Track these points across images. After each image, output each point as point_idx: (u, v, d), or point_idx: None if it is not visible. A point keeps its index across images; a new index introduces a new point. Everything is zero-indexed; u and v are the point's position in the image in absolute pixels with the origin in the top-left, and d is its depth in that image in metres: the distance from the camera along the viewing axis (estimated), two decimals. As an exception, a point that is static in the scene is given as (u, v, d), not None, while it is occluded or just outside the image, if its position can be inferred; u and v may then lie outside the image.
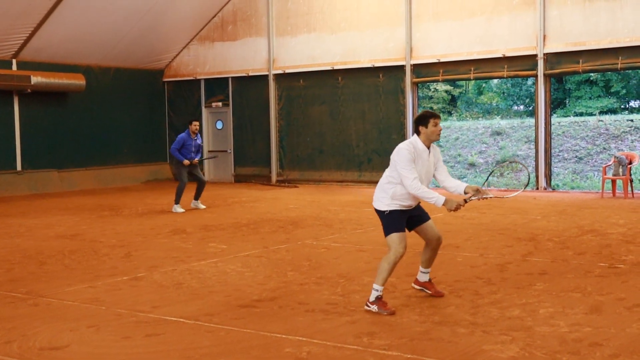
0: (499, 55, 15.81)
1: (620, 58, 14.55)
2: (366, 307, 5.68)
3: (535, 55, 15.38)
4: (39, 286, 6.79)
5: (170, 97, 21.14)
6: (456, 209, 5.50)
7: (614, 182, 14.31)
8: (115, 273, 7.40)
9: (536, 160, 15.84)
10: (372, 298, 5.65)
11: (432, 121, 5.62)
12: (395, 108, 17.31)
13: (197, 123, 13.04)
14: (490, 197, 5.54)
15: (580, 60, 15.00)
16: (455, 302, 5.88)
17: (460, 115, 30.83)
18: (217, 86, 20.22)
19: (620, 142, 20.92)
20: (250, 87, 19.62)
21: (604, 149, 20.81)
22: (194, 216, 12.32)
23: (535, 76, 15.56)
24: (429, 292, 6.09)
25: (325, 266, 7.57)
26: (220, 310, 5.79)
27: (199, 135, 13.14)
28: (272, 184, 18.94)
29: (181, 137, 12.95)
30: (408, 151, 5.58)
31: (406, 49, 16.94)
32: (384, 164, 17.24)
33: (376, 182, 18.58)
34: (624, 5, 14.47)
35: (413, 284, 6.20)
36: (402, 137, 17.07)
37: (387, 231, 5.68)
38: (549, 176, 15.75)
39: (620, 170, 14.00)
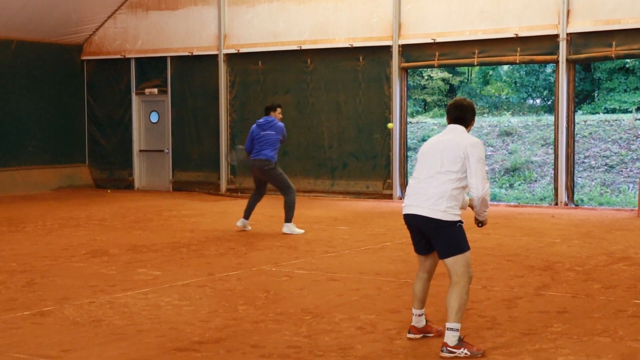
0: (511, 35, 15.98)
1: (663, 41, 14.81)
2: (447, 355, 5.61)
3: (557, 36, 15.57)
4: None
5: (91, 81, 20.99)
6: (485, 223, 6.13)
7: (652, 197, 14.52)
8: (13, 307, 7.30)
9: (555, 169, 16.01)
10: (452, 342, 5.63)
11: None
12: (379, 100, 17.39)
13: (281, 110, 12.74)
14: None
15: (614, 43, 15.22)
16: (451, 346, 5.90)
17: (461, 110, 31.01)
18: (151, 68, 20.13)
19: (661, 146, 21.28)
20: (195, 70, 19.56)
21: (641, 155, 21.14)
22: (118, 234, 12.23)
23: (556, 62, 15.75)
24: (432, 334, 6.17)
25: (287, 299, 7.56)
26: (150, 354, 5.74)
27: None
28: (221, 193, 18.89)
29: (280, 125, 12.43)
30: (483, 147, 5.87)
31: (393, 25, 17.04)
32: (363, 170, 17.49)
33: (353, 193, 18.59)
34: (667, -25, 14.73)
35: (411, 335, 6.14)
36: (387, 136, 17.17)
37: (460, 249, 5.75)
38: (571, 189, 15.94)
39: (660, 182, 14.21)
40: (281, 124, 12.38)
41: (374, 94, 17.46)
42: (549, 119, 23.02)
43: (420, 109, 31.59)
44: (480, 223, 6.02)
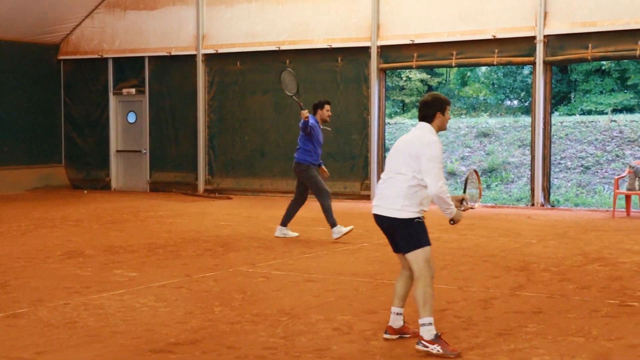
0: (488, 36, 16.05)
1: (639, 43, 14.91)
2: (420, 348, 5.73)
3: (534, 38, 15.66)
4: None
5: (68, 80, 20.88)
6: (458, 221, 6.03)
7: (628, 198, 14.63)
8: (-12, 308, 7.25)
9: (532, 170, 16.10)
10: (428, 336, 5.73)
11: (448, 108, 6.06)
12: (357, 100, 17.41)
13: (329, 107, 11.76)
14: (475, 207, 6.23)
15: (590, 45, 15.32)
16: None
17: (439, 111, 31.11)
18: (129, 68, 20.05)
19: (637, 148, 21.43)
20: (173, 70, 19.51)
21: (617, 156, 21.29)
22: (94, 235, 12.17)
23: (533, 64, 15.84)
24: (408, 335, 6.19)
25: (263, 300, 7.55)
26: (125, 356, 5.71)
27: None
28: (199, 194, 18.84)
29: (313, 124, 11.51)
30: (439, 143, 5.91)
31: (372, 26, 17.07)
32: (342, 171, 17.50)
33: (332, 194, 18.62)
34: (643, -22, 14.85)
35: (388, 335, 6.16)
36: (365, 137, 17.20)
37: (418, 244, 5.86)
38: (547, 190, 16.03)
39: (637, 183, 14.32)
40: (310, 121, 11.46)
41: (353, 95, 17.48)
42: (526, 120, 23.13)
43: (398, 110, 31.65)
44: (451, 220, 5.99)
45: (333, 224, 11.33)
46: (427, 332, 5.73)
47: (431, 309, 5.79)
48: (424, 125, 6.00)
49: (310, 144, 11.53)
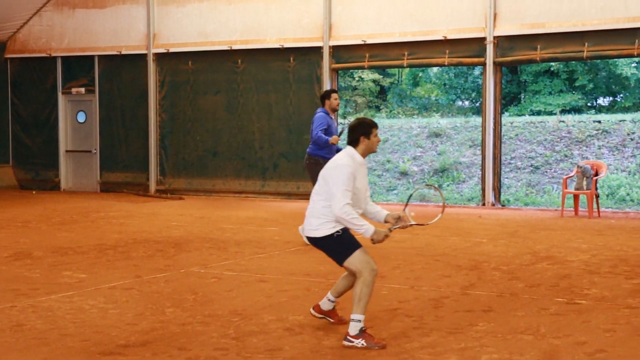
0: (439, 37, 16.17)
1: (586, 44, 15.14)
2: (347, 343, 5.93)
3: (484, 39, 15.81)
4: None
5: (15, 79, 20.57)
6: (382, 240, 6.07)
7: (576, 197, 14.84)
8: None
9: (482, 170, 16.26)
10: (353, 332, 5.93)
11: (374, 131, 6.21)
12: (310, 100, 17.41)
13: (337, 95, 11.29)
14: (413, 225, 6.36)
15: (539, 47, 15.52)
16: (378, 346, 5.94)
17: (390, 111, 31.35)
18: (78, 67, 19.83)
19: (585, 148, 21.77)
20: (123, 69, 19.34)
21: (566, 156, 21.61)
22: (43, 236, 12.01)
23: (483, 64, 15.99)
24: (332, 320, 6.56)
25: (215, 301, 7.51)
26: (74, 359, 5.65)
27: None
28: (150, 194, 18.71)
29: (322, 117, 11.02)
30: (349, 168, 6.03)
31: (324, 26, 17.09)
32: (294, 171, 17.50)
33: (285, 194, 18.53)
34: (590, -20, 15.08)
35: (313, 311, 6.60)
36: (318, 138, 17.19)
37: (347, 253, 6.05)
38: (497, 189, 16.20)
39: (585, 183, 14.53)
40: (318, 113, 11.15)
41: (305, 95, 17.49)
42: (477, 120, 23.37)
43: (351, 110, 31.76)
44: (372, 240, 6.06)
45: None
46: (354, 328, 5.93)
47: (364, 307, 5.96)
48: (348, 149, 6.21)
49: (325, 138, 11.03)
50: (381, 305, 7.27)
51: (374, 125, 6.23)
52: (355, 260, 6.01)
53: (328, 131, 11.01)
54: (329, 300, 6.52)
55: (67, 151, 20.10)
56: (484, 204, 16.11)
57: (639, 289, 7.98)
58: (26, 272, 9.01)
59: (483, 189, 16.26)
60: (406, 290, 7.97)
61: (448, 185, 21.23)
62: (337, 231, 6.08)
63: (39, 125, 20.34)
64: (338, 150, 10.74)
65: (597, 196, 14.73)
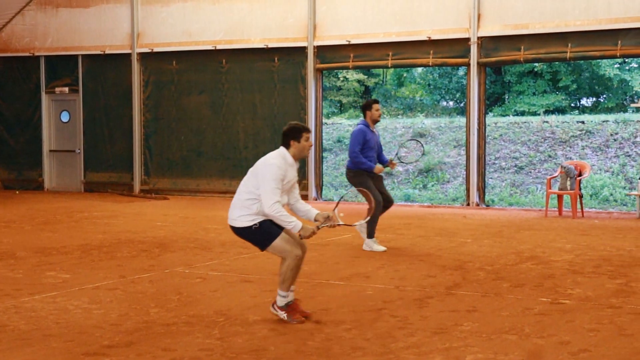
0: (424, 37, 16.21)
1: (569, 45, 15.22)
2: (272, 311, 6.65)
3: (468, 39, 15.86)
4: None
5: (-1, 79, 20.48)
6: (309, 236, 6.54)
7: (560, 197, 14.91)
8: None
9: (467, 170, 16.31)
10: (280, 303, 6.63)
11: (305, 135, 6.69)
12: (294, 100, 17.42)
13: (379, 106, 10.75)
14: (341, 225, 6.68)
15: (522, 47, 15.58)
16: (362, 345, 5.94)
17: (375, 111, 31.33)
18: (62, 66, 19.75)
19: (568, 148, 21.87)
20: (107, 68, 19.27)
21: (549, 156, 21.70)
22: (26, 236, 11.95)
23: (468, 65, 16.04)
24: (294, 321, 6.69)
25: (200, 301, 7.50)
26: (57, 360, 5.63)
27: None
28: (135, 194, 18.65)
29: (360, 130, 10.45)
30: (279, 167, 6.52)
31: (308, 26, 17.09)
32: (279, 171, 17.43)
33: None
34: (574, -19, 15.15)
35: (272, 308, 6.80)
36: (303, 138, 17.20)
37: (267, 243, 6.58)
38: (482, 189, 16.25)
39: (568, 183, 14.60)
40: (356, 128, 10.63)
41: (290, 95, 17.49)
42: (461, 120, 23.43)
43: (336, 110, 31.79)
44: (299, 235, 6.57)
45: (370, 234, 10.53)
46: (281, 300, 6.64)
47: (288, 286, 6.60)
48: (281, 149, 6.68)
49: (365, 150, 10.46)
50: (366, 305, 7.28)
51: (305, 130, 6.68)
52: (276, 248, 6.55)
53: (367, 146, 10.42)
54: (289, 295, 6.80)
55: (50, 151, 20.01)
56: (468, 204, 16.15)
57: (622, 289, 8.02)
58: (9, 273, 8.96)
59: (467, 189, 16.31)
60: (391, 290, 7.98)
61: (433, 186, 21.28)
62: (255, 224, 6.55)
63: (22, 124, 20.23)
64: (385, 162, 10.62)
65: (581, 196, 14.80)
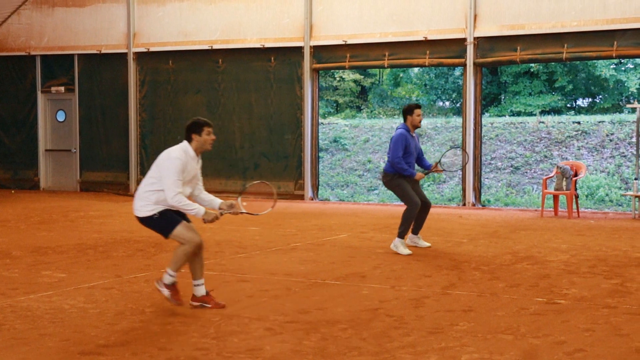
0: (420, 38, 16.22)
1: (565, 46, 15.24)
2: (157, 285, 7.05)
3: (464, 40, 15.88)
4: None
5: (-6, 78, 20.47)
6: (212, 220, 6.98)
7: (556, 197, 14.94)
8: None
9: (463, 170, 16.31)
10: (167, 281, 7.00)
11: (206, 129, 7.07)
12: (290, 100, 17.43)
13: (420, 111, 10.52)
14: (244, 213, 7.17)
15: (518, 48, 15.60)
16: (358, 345, 5.95)
17: (371, 111, 31.41)
18: (58, 66, 19.74)
19: (564, 148, 21.90)
20: (104, 68, 19.27)
21: (545, 157, 21.72)
22: (22, 235, 11.94)
23: (464, 65, 16.06)
24: (209, 306, 7.10)
25: (196, 301, 7.50)
26: (53, 359, 5.62)
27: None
28: (131, 194, 18.64)
29: (401, 135, 10.26)
30: (180, 160, 6.88)
31: (305, 26, 17.10)
32: (275, 170, 17.50)
33: (265, 194, 18.53)
34: (570, -18, 15.18)
35: (191, 302, 7.14)
36: (299, 137, 17.24)
37: (168, 230, 6.96)
38: (478, 190, 16.27)
39: (564, 183, 14.63)
40: (396, 132, 10.44)
41: (286, 95, 17.50)
42: (458, 121, 23.46)
43: (332, 110, 31.80)
44: (203, 220, 6.95)
45: (401, 234, 10.28)
46: (167, 278, 7.01)
47: (177, 267, 6.98)
48: (184, 143, 7.02)
49: (405, 156, 10.32)
50: (362, 305, 7.29)
51: (206, 125, 7.06)
52: (177, 235, 6.93)
53: (408, 151, 10.28)
54: (196, 285, 7.13)
55: (46, 150, 20.00)
56: (464, 204, 16.18)
57: (617, 289, 8.04)
58: (5, 272, 8.96)
59: (464, 189, 16.33)
60: (387, 290, 7.99)
61: (429, 186, 21.29)
62: (155, 214, 6.94)
63: (18, 124, 20.22)
64: (428, 167, 10.53)
65: (577, 196, 14.83)
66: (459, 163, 10.94)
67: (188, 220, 7.10)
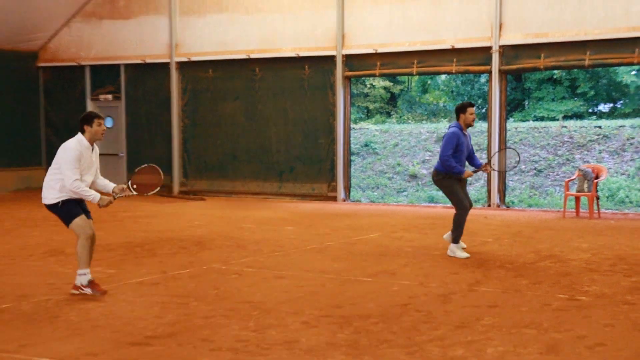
0: (447, 46, 16.21)
1: (588, 53, 15.14)
2: (75, 292, 7.42)
3: (490, 48, 15.84)
4: None
5: (47, 87, 20.74)
6: (107, 205, 7.52)
7: (577, 199, 14.86)
8: (-27, 304, 7.22)
9: (488, 173, 16.25)
10: (84, 282, 7.41)
11: (96, 121, 7.51)
12: (324, 107, 17.49)
13: (474, 109, 10.00)
14: (134, 194, 8.02)
15: (542, 55, 15.54)
16: (388, 338, 6.01)
17: (400, 117, 31.36)
18: (106, 75, 19.96)
19: (586, 152, 21.74)
20: (148, 77, 19.45)
21: (568, 160, 21.58)
22: (73, 234, 12.05)
23: (489, 72, 16.02)
24: (98, 292, 7.48)
25: (236, 295, 7.59)
26: (105, 348, 5.74)
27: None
28: (174, 195, 18.80)
29: (454, 134, 9.79)
30: (75, 150, 7.34)
31: (337, 36, 17.16)
32: (309, 173, 17.58)
33: (300, 195, 18.65)
34: (591, -8, 15.09)
35: (72, 290, 7.52)
36: (332, 142, 17.30)
37: (69, 220, 7.41)
38: (502, 191, 16.22)
39: (586, 185, 14.54)
40: (449, 130, 9.92)
41: (319, 101, 17.55)
42: (483, 125, 23.34)
43: (363, 116, 31.80)
44: (99, 205, 7.48)
45: (455, 239, 10.00)
46: (83, 278, 7.43)
47: (85, 263, 7.42)
48: (78, 135, 7.49)
49: (456, 154, 9.86)
50: (392, 301, 7.34)
51: (97, 117, 7.50)
52: (74, 225, 7.42)
53: (459, 149, 9.80)
54: (80, 275, 7.52)
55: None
56: (489, 205, 16.13)
57: (637, 286, 8.02)
58: (60, 268, 9.12)
59: (489, 191, 16.29)
60: (416, 287, 8.03)
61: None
62: (59, 202, 7.39)
63: (70, 129, 20.36)
64: (478, 165, 10.06)
65: (598, 198, 14.74)
66: (511, 164, 10.54)
67: (88, 216, 7.59)
